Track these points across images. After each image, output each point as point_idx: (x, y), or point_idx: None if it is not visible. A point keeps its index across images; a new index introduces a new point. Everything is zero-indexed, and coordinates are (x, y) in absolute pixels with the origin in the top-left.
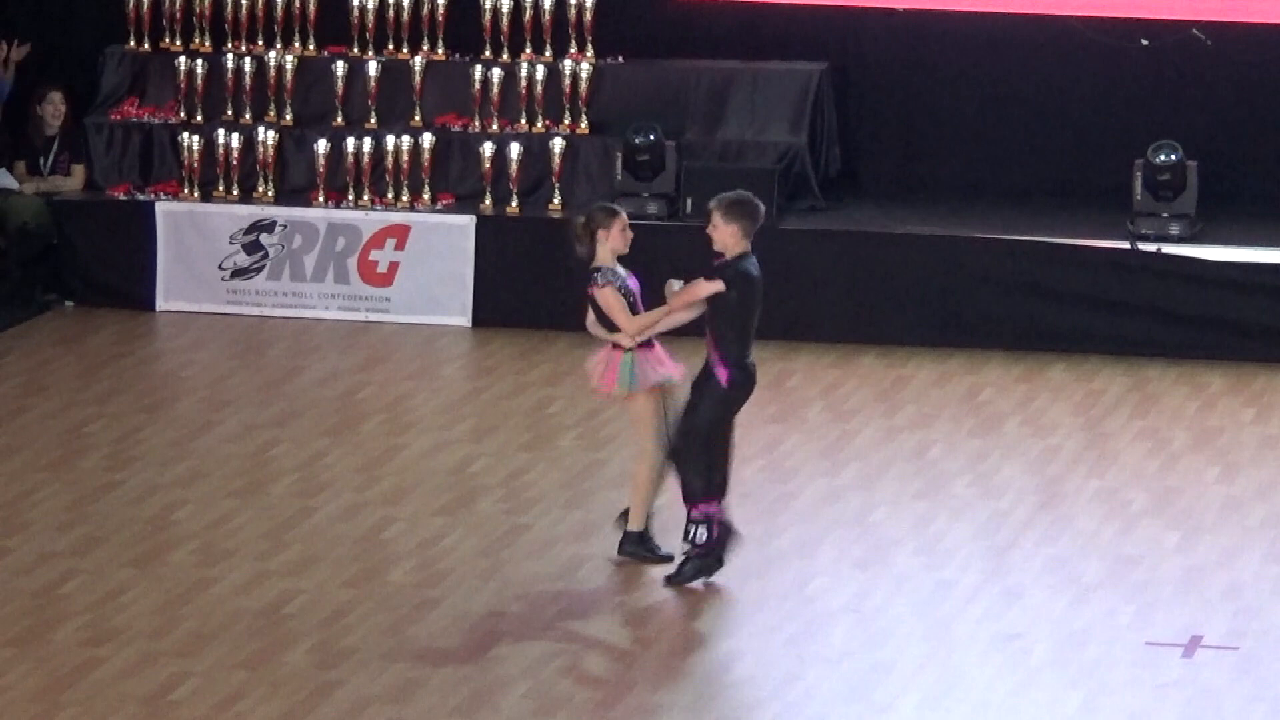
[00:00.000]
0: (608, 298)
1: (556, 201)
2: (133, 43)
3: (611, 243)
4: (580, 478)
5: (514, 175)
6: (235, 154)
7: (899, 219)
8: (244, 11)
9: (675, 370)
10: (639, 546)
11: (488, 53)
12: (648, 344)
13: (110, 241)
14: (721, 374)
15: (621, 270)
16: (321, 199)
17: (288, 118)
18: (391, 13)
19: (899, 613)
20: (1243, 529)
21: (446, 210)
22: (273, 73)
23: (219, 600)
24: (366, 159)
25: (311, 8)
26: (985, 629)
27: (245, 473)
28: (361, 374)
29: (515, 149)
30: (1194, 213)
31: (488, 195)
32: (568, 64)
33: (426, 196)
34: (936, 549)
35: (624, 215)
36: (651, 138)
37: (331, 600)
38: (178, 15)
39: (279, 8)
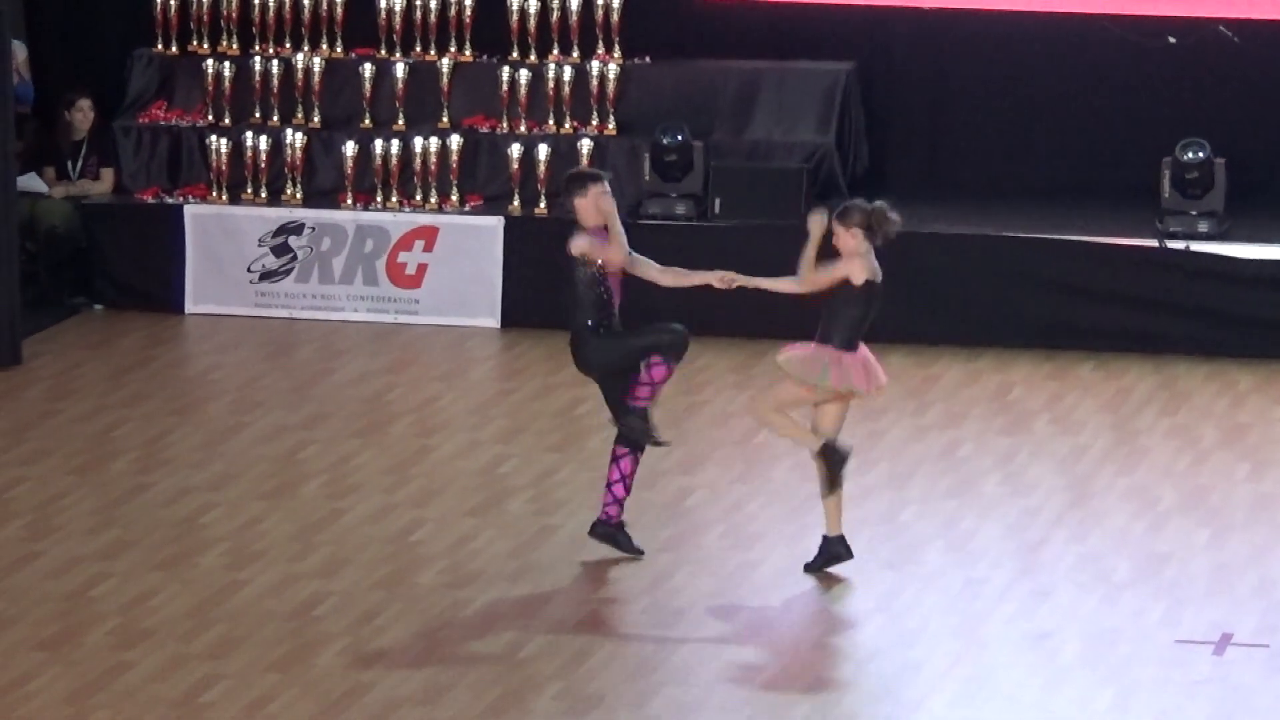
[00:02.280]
0: (582, 246)
1: None
2: (160, 45)
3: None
4: None
5: (542, 176)
6: (263, 156)
7: (927, 217)
8: (271, 14)
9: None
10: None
11: (515, 54)
12: (850, 347)
13: (139, 245)
14: None
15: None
16: (350, 201)
17: (315, 120)
18: (419, 14)
19: (929, 611)
20: (1273, 526)
21: (475, 212)
22: (300, 75)
23: (249, 603)
24: (394, 161)
25: (339, 10)
26: (1015, 627)
27: (275, 475)
28: (390, 376)
29: (543, 150)
30: (1222, 210)
31: (516, 196)
32: (595, 65)
33: (455, 198)
34: (966, 547)
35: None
36: (679, 138)
37: (362, 602)
38: (205, 18)
39: (306, 10)
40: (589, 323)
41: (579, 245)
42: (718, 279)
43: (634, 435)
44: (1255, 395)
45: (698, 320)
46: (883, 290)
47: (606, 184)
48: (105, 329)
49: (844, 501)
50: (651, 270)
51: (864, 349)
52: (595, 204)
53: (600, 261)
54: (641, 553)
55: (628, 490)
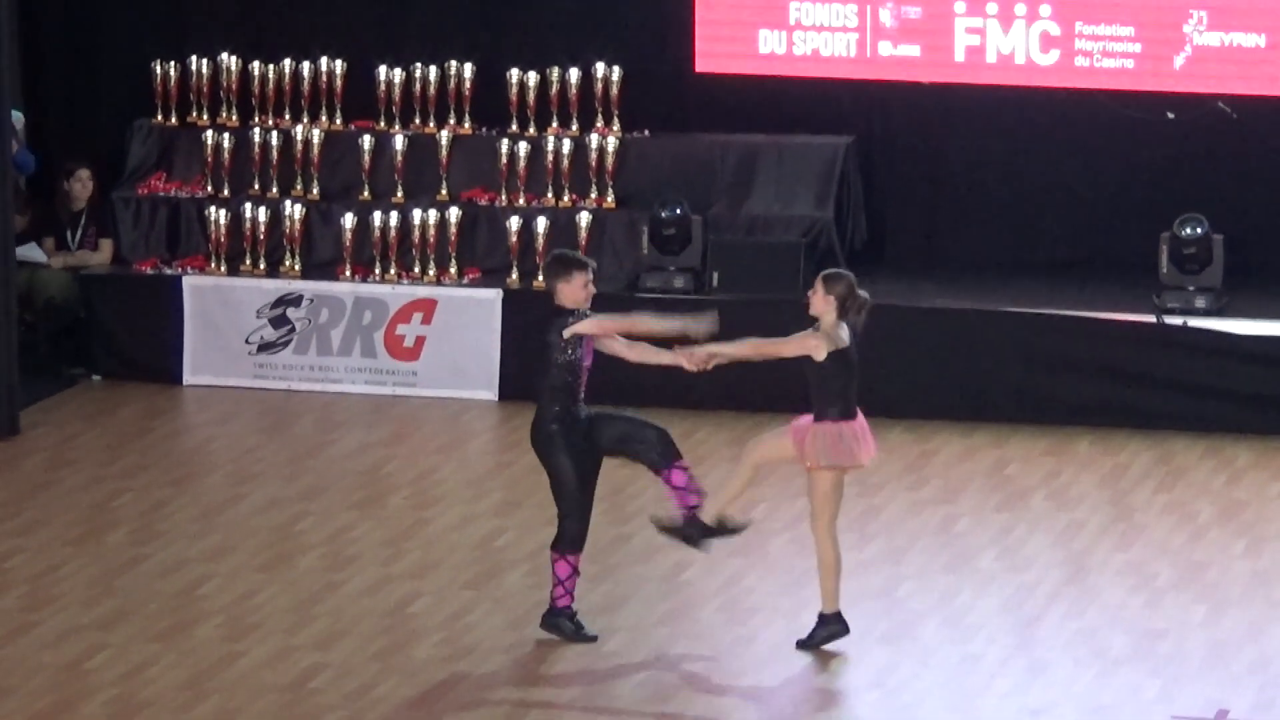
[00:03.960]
0: (589, 325)
1: None
2: (160, 117)
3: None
4: (606, 551)
5: (540, 249)
6: (262, 228)
7: (925, 292)
8: (270, 86)
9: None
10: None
11: (514, 127)
12: (850, 415)
13: (137, 315)
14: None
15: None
16: (348, 273)
17: (314, 192)
18: (418, 87)
19: (925, 686)
20: (1269, 602)
21: (473, 284)
22: (299, 147)
23: (246, 674)
24: (393, 233)
25: (338, 82)
26: (1012, 703)
27: (272, 546)
28: (388, 448)
29: (542, 223)
30: (1220, 286)
31: (514, 269)
32: (594, 138)
33: (453, 270)
34: (963, 622)
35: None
36: (678, 212)
37: (358, 674)
38: (205, 89)
39: (305, 82)
40: (555, 409)
41: (580, 327)
42: (687, 358)
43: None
44: (1252, 471)
45: (691, 395)
46: (855, 354)
47: (591, 272)
48: (103, 399)
49: (841, 575)
50: (618, 345)
51: (861, 418)
52: (579, 291)
53: (585, 339)
54: (594, 638)
55: (569, 592)
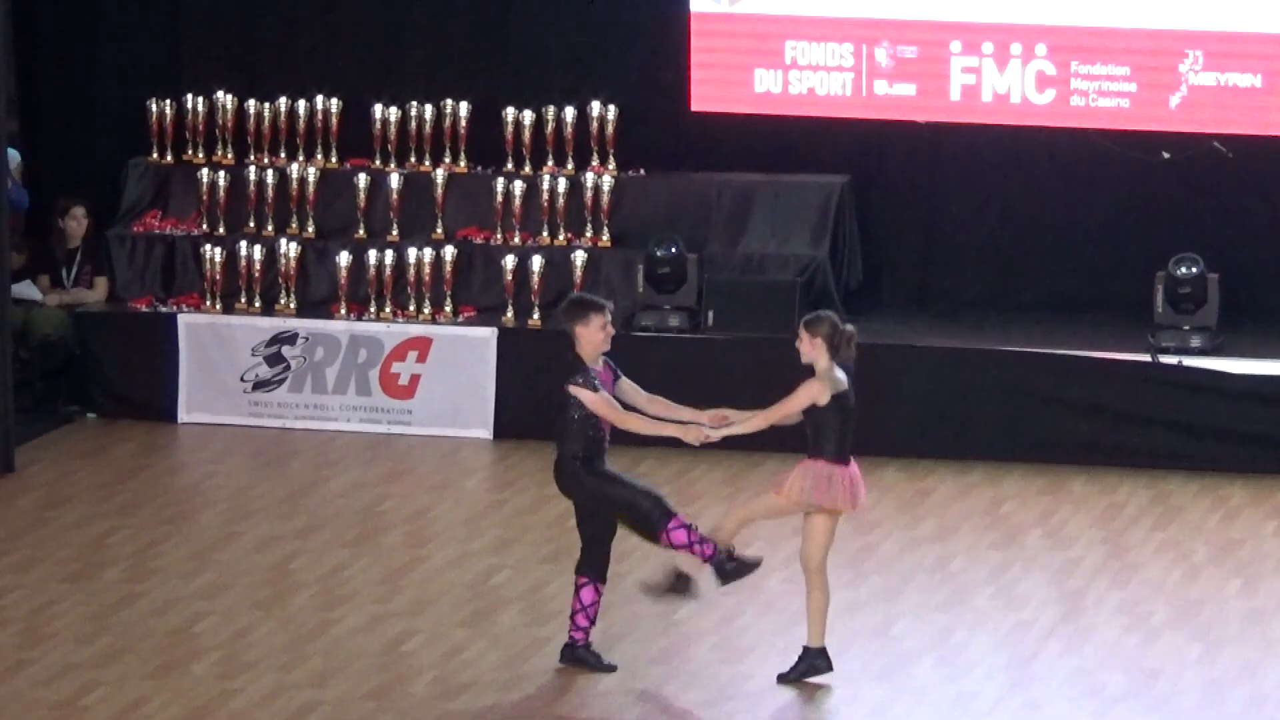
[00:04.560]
0: (591, 401)
1: None
2: (155, 155)
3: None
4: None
5: (536, 288)
6: (257, 266)
7: (920, 331)
8: (266, 124)
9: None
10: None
11: (509, 165)
12: (843, 459)
13: (132, 353)
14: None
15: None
16: (343, 311)
17: (310, 230)
18: (413, 125)
19: None
20: (1265, 641)
21: (468, 323)
22: (295, 185)
23: (241, 712)
24: (388, 271)
25: (333, 120)
26: None
27: (267, 584)
28: (383, 486)
29: (537, 261)
30: (1215, 325)
31: (509, 308)
32: (589, 177)
33: (448, 309)
34: (958, 661)
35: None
36: (673, 250)
37: (354, 712)
38: (200, 127)
39: (301, 120)
40: (577, 453)
41: (580, 394)
42: (695, 436)
43: (727, 577)
44: (1247, 510)
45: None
46: (854, 397)
47: (609, 314)
48: (98, 437)
49: (832, 613)
50: (630, 412)
51: (854, 465)
52: (598, 334)
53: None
54: (613, 668)
55: (590, 620)
